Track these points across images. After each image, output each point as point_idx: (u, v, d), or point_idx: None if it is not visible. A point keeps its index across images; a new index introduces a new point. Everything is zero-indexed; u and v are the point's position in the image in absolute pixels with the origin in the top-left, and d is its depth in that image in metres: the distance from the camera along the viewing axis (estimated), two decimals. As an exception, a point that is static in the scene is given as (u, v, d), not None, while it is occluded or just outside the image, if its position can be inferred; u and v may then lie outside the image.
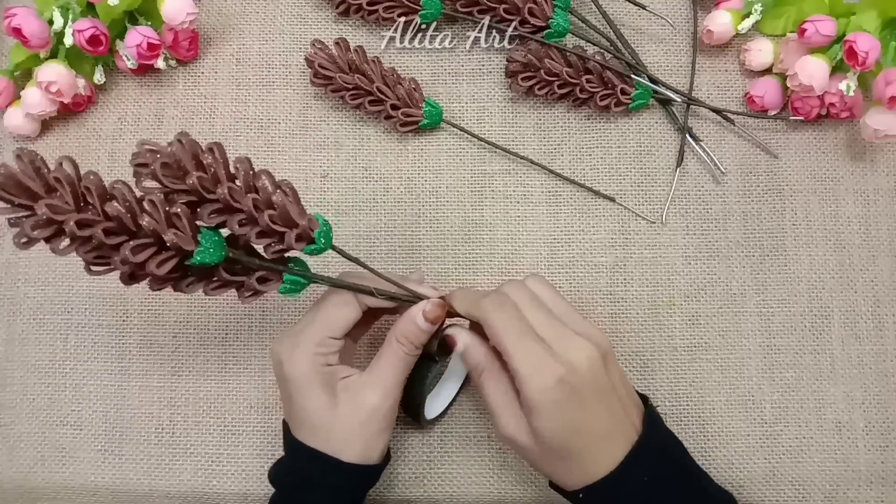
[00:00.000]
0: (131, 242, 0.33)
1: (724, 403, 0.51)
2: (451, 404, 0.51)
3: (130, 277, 0.36)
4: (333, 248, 0.39)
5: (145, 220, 0.33)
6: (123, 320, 0.54)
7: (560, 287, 0.53)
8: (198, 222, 0.36)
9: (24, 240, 0.32)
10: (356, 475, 0.41)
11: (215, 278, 0.38)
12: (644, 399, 0.42)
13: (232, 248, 0.37)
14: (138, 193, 0.34)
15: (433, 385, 0.45)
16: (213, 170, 0.35)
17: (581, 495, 0.39)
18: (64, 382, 0.53)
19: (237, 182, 0.36)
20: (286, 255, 0.39)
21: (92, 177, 0.33)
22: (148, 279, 0.36)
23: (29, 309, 0.54)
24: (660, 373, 0.52)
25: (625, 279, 0.53)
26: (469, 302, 0.41)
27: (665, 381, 0.52)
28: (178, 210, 0.34)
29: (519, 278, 0.43)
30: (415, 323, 0.41)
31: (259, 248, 0.38)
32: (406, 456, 0.51)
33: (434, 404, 0.50)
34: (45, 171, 0.32)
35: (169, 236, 0.34)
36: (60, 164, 0.32)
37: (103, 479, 0.52)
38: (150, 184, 0.35)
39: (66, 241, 0.33)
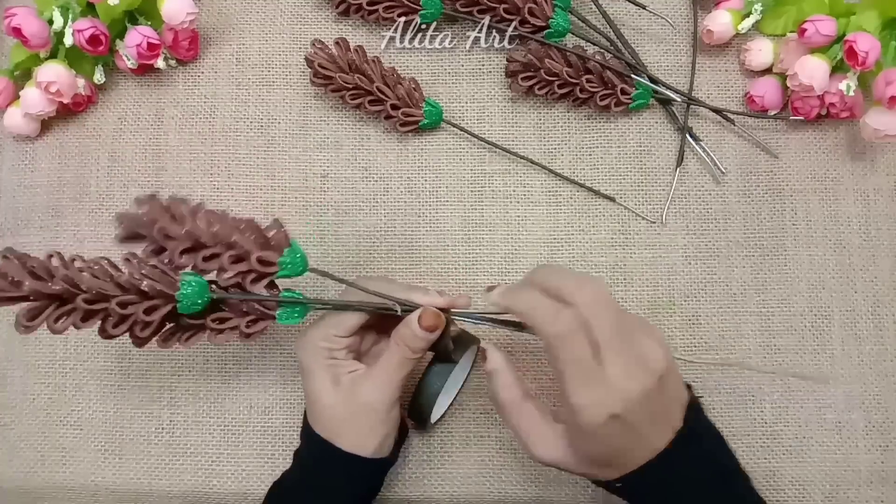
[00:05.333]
0: (116, 298, 0.36)
1: (724, 403, 0.51)
2: (450, 405, 0.51)
3: (137, 337, 0.38)
4: (313, 270, 0.41)
5: (123, 278, 0.36)
6: (123, 320, 0.54)
7: (560, 287, 0.53)
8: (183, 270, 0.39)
9: (21, 329, 0.35)
10: (350, 463, 0.43)
11: (211, 322, 0.40)
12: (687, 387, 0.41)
13: (217, 290, 0.40)
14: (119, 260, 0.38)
15: (442, 388, 0.46)
16: (179, 215, 0.38)
17: (619, 485, 0.40)
18: (64, 382, 0.53)
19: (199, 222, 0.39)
20: (277, 286, 0.41)
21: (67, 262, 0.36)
22: (157, 338, 0.39)
23: (29, 309, 0.54)
24: (660, 373, 0.52)
25: (625, 279, 0.53)
26: (523, 304, 0.39)
27: (665, 381, 0.52)
28: (154, 262, 0.37)
29: (578, 280, 0.38)
30: (410, 328, 0.42)
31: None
32: (406, 456, 0.51)
33: (437, 407, 0.50)
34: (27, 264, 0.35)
35: (146, 283, 0.36)
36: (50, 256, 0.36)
37: (103, 479, 0.52)
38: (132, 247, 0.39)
39: (58, 319, 0.36)
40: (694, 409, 0.40)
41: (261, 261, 0.39)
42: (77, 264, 0.36)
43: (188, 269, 0.39)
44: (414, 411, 0.47)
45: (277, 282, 0.41)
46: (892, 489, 0.50)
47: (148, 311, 0.37)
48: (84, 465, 0.52)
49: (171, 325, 0.40)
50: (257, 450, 0.52)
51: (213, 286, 0.39)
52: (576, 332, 0.36)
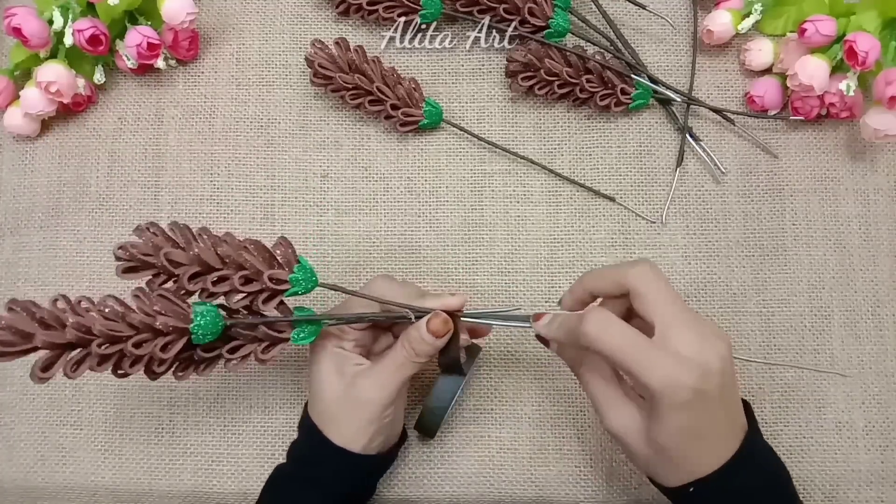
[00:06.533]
0: (131, 339, 0.35)
1: (724, 403, 0.51)
2: (449, 410, 0.51)
3: (153, 373, 0.37)
4: (322, 284, 0.41)
5: (136, 317, 0.35)
6: (123, 320, 0.54)
7: (560, 287, 0.53)
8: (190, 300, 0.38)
9: (36, 380, 0.34)
10: (338, 456, 0.42)
11: (226, 352, 0.39)
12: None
13: (229, 317, 0.39)
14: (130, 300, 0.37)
15: (452, 402, 0.46)
16: (183, 240, 0.38)
17: (692, 489, 0.38)
18: (64, 382, 0.53)
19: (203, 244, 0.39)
20: (288, 307, 0.41)
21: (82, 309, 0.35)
22: (173, 370, 0.38)
23: (29, 309, 0.54)
24: (660, 373, 0.52)
25: (625, 279, 0.53)
26: (568, 330, 0.39)
27: (665, 381, 0.52)
28: (164, 293, 0.37)
29: (624, 266, 0.39)
30: (419, 332, 0.42)
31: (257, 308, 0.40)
32: (406, 456, 0.51)
33: None
34: (36, 313, 0.34)
35: (160, 321, 0.36)
36: (54, 301, 0.35)
37: (103, 479, 0.52)
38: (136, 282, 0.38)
39: (75, 367, 0.35)
40: (751, 411, 0.40)
41: (272, 279, 0.38)
42: (84, 305, 0.35)
43: (196, 296, 0.38)
44: (423, 424, 0.47)
45: (285, 302, 0.41)
46: (892, 489, 0.50)
47: (164, 348, 0.36)
48: (84, 465, 0.52)
49: (185, 356, 0.39)
50: (257, 450, 0.52)
51: (224, 312, 0.39)
52: (609, 319, 0.36)
